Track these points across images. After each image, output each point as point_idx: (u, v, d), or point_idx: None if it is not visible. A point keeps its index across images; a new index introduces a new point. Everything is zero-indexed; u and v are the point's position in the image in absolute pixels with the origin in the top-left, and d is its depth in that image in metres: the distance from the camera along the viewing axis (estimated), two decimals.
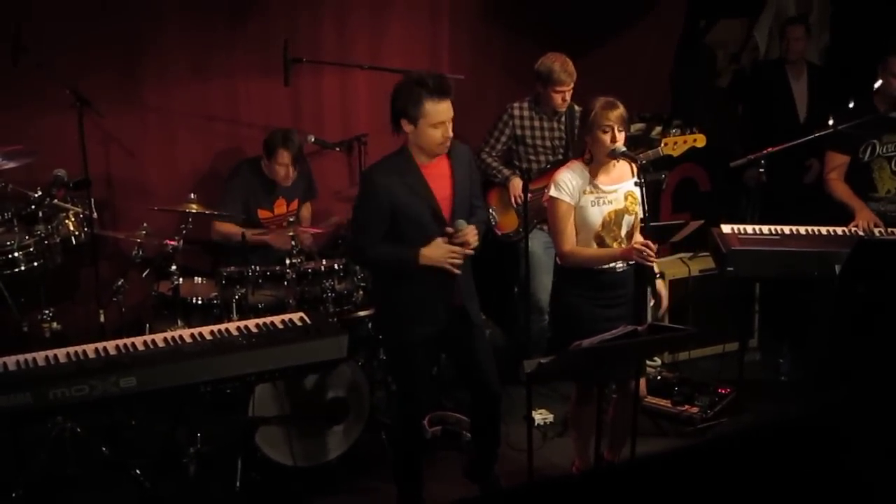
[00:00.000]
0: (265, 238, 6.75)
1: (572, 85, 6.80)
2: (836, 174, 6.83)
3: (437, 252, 5.10)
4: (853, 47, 8.43)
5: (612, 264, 5.41)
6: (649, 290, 5.53)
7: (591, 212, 5.39)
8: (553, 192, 5.41)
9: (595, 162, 5.41)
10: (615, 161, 5.39)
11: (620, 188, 5.42)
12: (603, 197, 5.40)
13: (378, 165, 5.31)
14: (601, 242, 5.43)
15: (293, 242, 6.31)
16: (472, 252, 5.17)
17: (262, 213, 6.95)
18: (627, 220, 5.42)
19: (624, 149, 5.30)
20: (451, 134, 5.09)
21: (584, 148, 5.45)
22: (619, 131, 5.31)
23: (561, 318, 5.66)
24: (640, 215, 5.36)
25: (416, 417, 5.64)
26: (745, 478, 3.05)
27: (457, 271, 5.14)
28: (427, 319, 5.23)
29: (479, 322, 5.47)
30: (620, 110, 5.32)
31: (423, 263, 5.10)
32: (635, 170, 5.31)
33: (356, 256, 5.55)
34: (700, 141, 6.38)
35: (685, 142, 6.41)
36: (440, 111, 5.03)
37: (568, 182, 5.40)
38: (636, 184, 5.20)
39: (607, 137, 5.30)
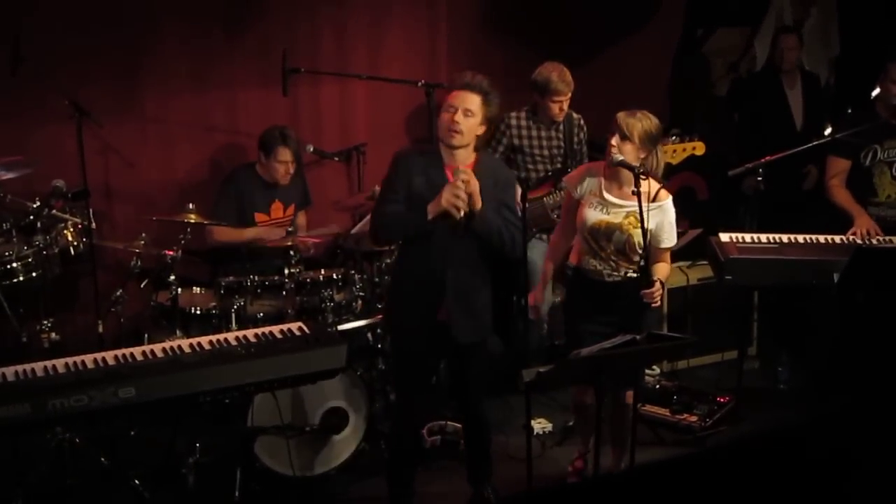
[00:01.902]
0: (259, 235, 6.79)
1: (570, 94, 6.80)
2: (838, 180, 6.82)
3: (440, 198, 5.07)
4: (863, 57, 8.44)
5: (598, 268, 5.48)
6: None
7: (586, 212, 5.46)
8: (567, 179, 5.67)
9: (606, 167, 5.47)
10: (633, 177, 5.26)
11: (627, 206, 5.36)
12: (603, 205, 5.43)
13: (409, 149, 5.41)
14: (588, 245, 5.49)
15: (291, 252, 6.31)
16: (475, 190, 5.07)
17: (259, 217, 6.95)
18: (618, 237, 5.40)
19: (621, 157, 5.28)
20: (458, 124, 5.12)
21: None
22: (622, 140, 5.30)
23: (564, 312, 5.80)
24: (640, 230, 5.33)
25: (407, 420, 5.64)
26: (744, 487, 3.05)
27: (458, 212, 5.06)
28: (414, 324, 5.33)
29: (470, 341, 5.42)
30: (632, 121, 5.32)
31: (431, 215, 5.08)
32: (658, 197, 5.39)
33: (371, 226, 5.40)
34: (699, 148, 6.37)
35: (684, 149, 6.40)
36: (456, 97, 5.16)
37: (581, 176, 5.56)
38: (633, 192, 5.19)
39: (608, 138, 5.38)
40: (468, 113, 5.13)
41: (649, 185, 5.32)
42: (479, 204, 5.06)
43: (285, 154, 6.79)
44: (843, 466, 3.14)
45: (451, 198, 5.03)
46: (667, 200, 5.43)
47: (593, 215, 5.43)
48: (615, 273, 5.47)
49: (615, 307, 5.46)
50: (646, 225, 5.19)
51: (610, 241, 5.42)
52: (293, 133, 6.88)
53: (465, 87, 5.17)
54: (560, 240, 5.76)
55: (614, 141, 5.32)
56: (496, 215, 5.20)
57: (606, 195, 5.43)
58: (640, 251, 5.36)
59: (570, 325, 5.71)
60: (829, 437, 3.23)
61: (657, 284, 5.32)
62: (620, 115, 5.35)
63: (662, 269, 5.50)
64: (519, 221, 5.34)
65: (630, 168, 5.23)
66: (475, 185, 5.04)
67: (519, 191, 6.29)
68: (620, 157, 5.28)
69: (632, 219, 5.35)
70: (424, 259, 5.26)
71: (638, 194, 5.14)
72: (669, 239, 5.49)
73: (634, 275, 5.42)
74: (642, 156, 5.31)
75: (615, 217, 5.40)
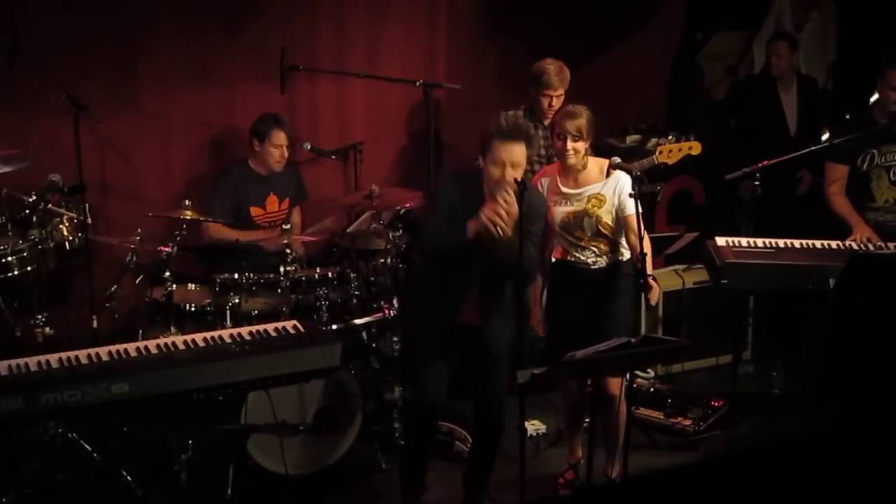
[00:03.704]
0: (258, 238, 6.77)
1: (563, 92, 6.74)
2: (837, 187, 6.82)
3: (481, 215, 5.03)
4: (860, 63, 8.45)
5: (585, 259, 5.63)
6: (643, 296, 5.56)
7: (554, 210, 5.63)
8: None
9: (560, 166, 5.64)
10: (582, 166, 5.57)
11: (585, 191, 5.59)
12: (565, 199, 5.62)
13: (456, 173, 5.49)
14: (566, 240, 5.65)
15: (287, 250, 6.30)
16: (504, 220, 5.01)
17: (255, 211, 6.95)
18: (589, 223, 5.57)
19: (618, 160, 5.44)
20: (512, 177, 5.03)
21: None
22: (574, 140, 5.48)
23: (546, 307, 5.91)
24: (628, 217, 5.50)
25: (426, 413, 5.60)
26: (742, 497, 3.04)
27: (496, 230, 4.98)
28: (440, 313, 5.35)
29: (500, 355, 5.42)
30: (577, 120, 5.48)
31: (472, 231, 5.04)
32: (610, 172, 5.57)
33: (419, 247, 5.58)
34: (695, 149, 6.38)
35: (680, 150, 6.41)
36: (503, 151, 5.05)
37: (540, 182, 5.71)
38: (631, 195, 5.28)
39: (560, 144, 5.54)
40: (516, 166, 5.07)
41: (599, 164, 5.61)
42: (508, 231, 5.02)
43: (280, 137, 6.81)
44: (841, 474, 3.14)
45: (492, 214, 4.98)
46: (616, 171, 5.57)
47: (560, 211, 5.61)
48: (600, 259, 5.63)
49: (596, 294, 5.64)
50: (639, 210, 5.34)
51: (583, 229, 5.59)
52: (285, 118, 6.91)
53: (508, 139, 5.09)
54: (539, 255, 5.78)
55: (569, 145, 5.48)
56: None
57: (563, 189, 5.62)
58: (614, 226, 5.59)
59: (553, 316, 5.84)
60: (826, 446, 3.22)
61: (654, 285, 5.44)
62: (565, 121, 5.50)
63: (644, 243, 5.51)
64: (536, 244, 5.32)
65: (628, 170, 5.44)
66: (514, 210, 4.99)
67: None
68: (618, 160, 5.53)
69: (594, 200, 5.58)
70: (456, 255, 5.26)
71: (636, 196, 5.29)
72: (633, 205, 5.46)
73: (621, 258, 5.65)
74: (589, 142, 5.54)
75: (578, 205, 5.59)
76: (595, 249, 5.60)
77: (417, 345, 5.59)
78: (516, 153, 5.06)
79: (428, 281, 5.47)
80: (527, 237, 5.06)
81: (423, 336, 5.50)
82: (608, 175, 5.57)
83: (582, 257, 5.63)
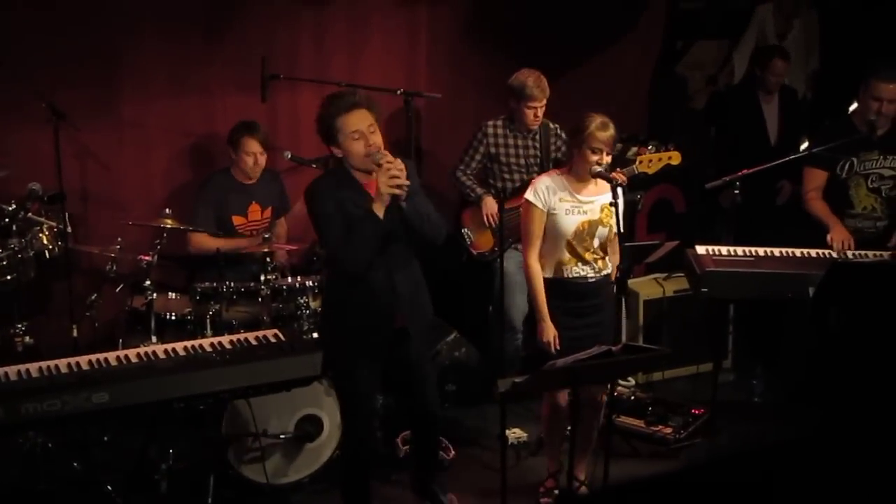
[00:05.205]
0: (240, 245, 6.75)
1: (545, 101, 6.79)
2: (815, 192, 6.84)
3: (378, 187, 4.98)
4: (839, 71, 8.48)
5: (582, 273, 5.58)
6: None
7: (564, 220, 5.54)
8: (529, 195, 5.61)
9: (576, 174, 5.55)
10: (611, 188, 5.42)
11: (598, 200, 5.56)
12: (578, 207, 5.55)
13: (322, 180, 5.39)
14: (572, 251, 5.56)
15: (268, 259, 6.29)
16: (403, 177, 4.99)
17: (237, 220, 6.92)
18: (601, 232, 5.55)
19: (600, 168, 5.40)
20: (375, 144, 5.09)
21: (569, 159, 5.62)
22: (608, 154, 5.45)
23: (534, 325, 5.74)
24: (616, 231, 5.46)
25: (362, 437, 5.51)
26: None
27: (402, 191, 4.95)
28: (370, 340, 5.22)
29: (424, 348, 5.45)
30: (612, 132, 5.45)
31: (375, 208, 4.96)
32: (612, 187, 5.42)
33: (335, 261, 5.25)
34: (675, 158, 6.40)
35: (660, 159, 6.43)
36: (353, 121, 5.14)
37: (543, 189, 5.58)
38: (611, 204, 5.29)
39: (595, 158, 5.44)
40: (372, 128, 5.11)
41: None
42: (407, 182, 5.00)
43: (251, 144, 6.77)
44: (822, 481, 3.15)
45: (390, 180, 4.94)
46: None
47: (573, 220, 5.54)
48: (597, 274, 5.61)
49: (593, 307, 5.63)
50: (619, 226, 5.32)
51: (594, 238, 5.56)
52: (260, 125, 6.89)
53: (354, 108, 5.14)
54: (537, 262, 5.67)
55: (607, 157, 5.44)
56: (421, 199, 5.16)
57: (579, 196, 5.56)
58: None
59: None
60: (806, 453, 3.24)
61: None
62: (603, 133, 5.41)
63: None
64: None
65: (609, 179, 5.40)
66: (400, 164, 5.00)
67: (493, 202, 6.31)
68: (599, 168, 5.47)
69: (606, 210, 5.54)
70: (372, 272, 5.14)
71: (616, 205, 5.29)
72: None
73: (608, 271, 5.65)
74: None
75: (593, 214, 5.55)
76: (593, 264, 5.58)
77: (348, 374, 5.33)
78: (366, 118, 5.12)
79: (352, 310, 5.23)
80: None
81: (354, 366, 5.28)
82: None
83: (583, 271, 5.59)
